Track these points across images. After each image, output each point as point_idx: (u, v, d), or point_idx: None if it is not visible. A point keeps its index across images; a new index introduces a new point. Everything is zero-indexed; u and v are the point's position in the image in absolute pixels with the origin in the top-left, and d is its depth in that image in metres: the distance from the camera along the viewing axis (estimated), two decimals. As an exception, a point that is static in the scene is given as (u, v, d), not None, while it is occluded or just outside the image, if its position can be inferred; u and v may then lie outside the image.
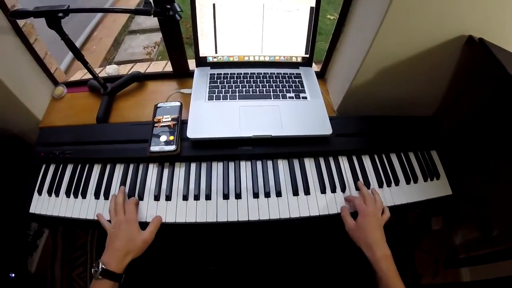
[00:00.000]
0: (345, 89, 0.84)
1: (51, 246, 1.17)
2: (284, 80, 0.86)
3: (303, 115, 0.79)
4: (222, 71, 0.87)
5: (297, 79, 0.86)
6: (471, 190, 0.94)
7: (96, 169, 0.78)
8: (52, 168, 0.79)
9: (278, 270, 1.11)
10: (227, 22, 0.81)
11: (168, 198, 0.72)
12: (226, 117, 0.77)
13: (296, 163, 0.77)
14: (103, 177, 0.76)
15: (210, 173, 0.75)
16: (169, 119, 0.78)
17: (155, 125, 0.77)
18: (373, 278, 0.62)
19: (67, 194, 0.75)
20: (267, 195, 0.73)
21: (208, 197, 0.72)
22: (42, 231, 1.16)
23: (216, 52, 0.86)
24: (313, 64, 0.91)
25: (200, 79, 0.85)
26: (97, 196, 0.74)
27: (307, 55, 0.88)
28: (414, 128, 0.85)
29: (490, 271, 0.92)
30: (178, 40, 0.87)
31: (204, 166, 0.76)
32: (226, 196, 0.72)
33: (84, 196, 0.74)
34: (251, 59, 0.88)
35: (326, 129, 0.76)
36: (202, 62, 0.88)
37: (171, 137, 0.75)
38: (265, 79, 0.86)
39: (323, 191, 0.74)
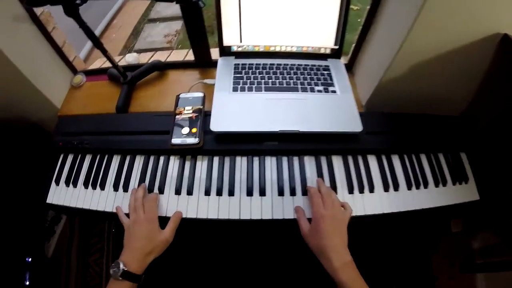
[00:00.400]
0: (375, 83, 0.76)
1: (68, 232, 1.12)
2: (312, 72, 0.77)
3: (332, 110, 0.71)
4: (247, 61, 0.79)
5: (325, 72, 0.77)
6: (497, 195, 0.86)
7: (116, 160, 0.72)
8: (70, 158, 0.74)
9: (285, 269, 1.05)
10: (253, 10, 0.73)
11: (190, 192, 0.66)
12: (251, 110, 0.70)
13: (323, 160, 0.70)
14: (122, 169, 0.70)
15: (234, 168, 0.68)
16: (191, 111, 0.71)
17: (176, 116, 0.70)
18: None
19: (85, 185, 0.69)
20: (293, 193, 0.66)
21: (231, 193, 0.65)
22: (60, 217, 1.12)
23: (240, 41, 0.78)
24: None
25: (224, 69, 0.78)
26: (116, 188, 0.68)
27: (336, 47, 0.79)
28: (443, 128, 0.76)
29: (507, 279, 0.85)
30: (200, 28, 0.79)
31: (227, 160, 0.69)
32: (249, 193, 0.65)
33: (102, 187, 0.68)
34: (278, 49, 0.79)
35: (356, 126, 0.68)
36: (226, 51, 0.80)
37: (194, 129, 0.68)
38: (292, 71, 0.77)
39: (350, 191, 0.67)
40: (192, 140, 0.66)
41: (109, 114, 0.80)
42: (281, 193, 0.66)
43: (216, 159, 0.69)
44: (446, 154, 0.75)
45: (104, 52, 0.77)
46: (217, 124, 0.67)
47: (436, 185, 0.70)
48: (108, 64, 0.85)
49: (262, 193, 0.66)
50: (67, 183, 0.70)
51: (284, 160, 0.69)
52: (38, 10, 0.78)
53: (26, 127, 0.94)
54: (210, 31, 0.87)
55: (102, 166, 0.71)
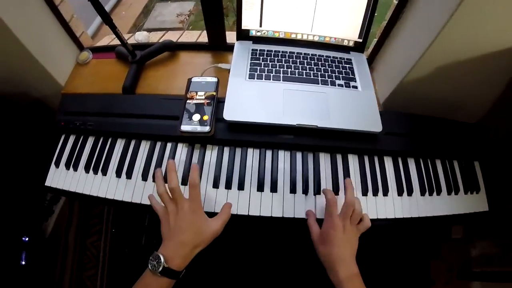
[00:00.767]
0: (396, 83, 0.69)
1: (67, 212, 1.07)
2: (333, 64, 0.70)
3: (352, 107, 0.64)
4: (266, 47, 0.71)
5: (347, 65, 0.70)
6: (502, 205, 0.82)
7: (120, 144, 0.65)
8: (72, 139, 0.67)
9: (288, 265, 1.01)
10: (277, -7, 0.65)
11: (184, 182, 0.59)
12: (268, 100, 0.63)
13: (339, 159, 0.64)
14: (126, 154, 0.64)
15: (245, 160, 0.62)
16: (204, 96, 0.64)
17: (187, 101, 0.63)
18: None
19: (86, 169, 0.63)
20: (305, 191, 0.60)
21: (240, 186, 0.60)
22: (59, 197, 1.06)
23: (260, 26, 0.70)
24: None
25: (241, 54, 0.70)
26: (118, 174, 0.61)
27: (360, 40, 0.72)
28: (459, 134, 0.71)
29: None
30: (218, 9, 0.71)
31: (238, 152, 0.63)
32: (260, 188, 0.60)
33: (104, 173, 0.62)
34: (299, 37, 0.71)
35: (376, 125, 0.62)
36: (244, 35, 0.72)
37: (205, 117, 0.61)
38: (312, 61, 0.70)
39: (364, 193, 0.62)
40: (203, 128, 0.60)
41: (115, 95, 0.72)
42: (293, 190, 0.60)
43: (226, 150, 0.63)
44: (460, 161, 0.70)
45: (113, 28, 0.69)
46: (231, 112, 0.60)
47: (449, 193, 0.65)
48: (116, 42, 0.77)
49: (274, 189, 0.60)
50: (67, 165, 0.64)
51: (298, 155, 0.63)
52: None
53: (28, 103, 0.86)
54: (224, 13, 0.79)
55: (105, 150, 0.64)
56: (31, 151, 0.87)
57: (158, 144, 0.64)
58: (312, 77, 0.67)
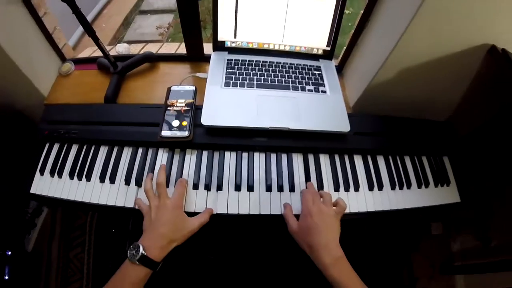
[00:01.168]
0: (364, 86, 0.79)
1: (50, 225, 1.10)
2: (303, 71, 0.79)
3: (322, 109, 0.73)
4: (240, 57, 0.80)
5: (317, 72, 0.79)
6: (476, 198, 0.90)
7: (103, 151, 0.71)
8: (56, 147, 0.72)
9: (277, 261, 1.07)
10: (250, 7, 0.74)
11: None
12: (242, 105, 0.71)
13: (311, 158, 0.72)
14: (109, 160, 0.69)
15: (223, 162, 0.69)
16: (183, 104, 0.71)
17: (167, 108, 0.70)
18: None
19: (71, 176, 0.68)
20: (280, 189, 0.67)
21: (219, 187, 0.66)
22: (41, 209, 1.09)
23: (235, 37, 0.79)
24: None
25: (217, 64, 0.78)
26: (102, 179, 0.67)
27: (329, 48, 0.81)
28: (428, 132, 0.80)
29: (485, 281, 0.90)
30: (195, 21, 0.79)
31: (216, 155, 0.70)
32: (238, 188, 0.66)
33: (88, 178, 0.67)
34: (271, 47, 0.81)
35: (344, 126, 0.70)
36: (219, 46, 0.80)
37: (184, 122, 0.68)
38: (284, 69, 0.79)
39: (336, 189, 0.69)
40: (183, 133, 0.66)
41: (97, 104, 0.79)
42: (268, 189, 0.67)
43: (205, 153, 0.70)
44: (429, 157, 0.79)
45: (96, 40, 0.76)
46: (208, 118, 0.68)
47: (419, 187, 0.73)
48: (97, 53, 0.84)
49: (250, 188, 0.67)
50: (52, 173, 0.69)
51: (273, 156, 0.71)
52: None
53: (10, 115, 0.91)
54: (202, 26, 0.88)
55: (88, 157, 0.70)
56: (12, 163, 0.91)
57: (140, 150, 0.70)
58: (283, 83, 0.76)
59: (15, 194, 0.94)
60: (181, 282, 1.02)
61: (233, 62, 0.79)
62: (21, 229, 1.04)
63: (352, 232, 1.09)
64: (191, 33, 0.82)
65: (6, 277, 0.93)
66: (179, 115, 0.69)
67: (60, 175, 0.68)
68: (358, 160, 0.74)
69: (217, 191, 0.66)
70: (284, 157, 0.71)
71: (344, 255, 0.53)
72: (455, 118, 0.89)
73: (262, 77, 0.76)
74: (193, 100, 0.72)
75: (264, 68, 0.78)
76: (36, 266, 1.03)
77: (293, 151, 0.72)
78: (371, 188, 0.70)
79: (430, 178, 0.75)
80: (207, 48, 0.87)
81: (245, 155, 0.70)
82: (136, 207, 0.62)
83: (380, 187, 0.71)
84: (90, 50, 1.04)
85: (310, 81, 0.77)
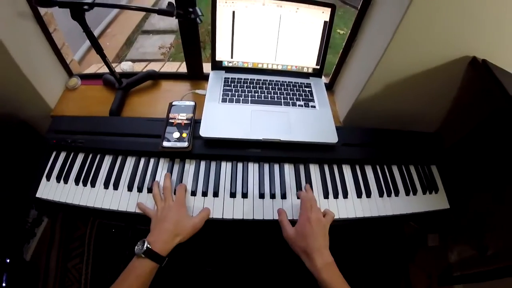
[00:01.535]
0: (352, 101, 0.87)
1: (49, 235, 1.15)
2: (294, 88, 0.88)
3: (311, 122, 0.81)
4: (236, 75, 0.90)
5: (307, 89, 0.89)
6: (469, 207, 0.95)
7: (107, 160, 0.78)
8: (62, 155, 0.80)
9: (274, 273, 1.11)
10: (245, 30, 0.84)
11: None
12: (238, 119, 0.79)
13: (301, 168, 0.79)
14: (113, 168, 0.77)
15: (219, 171, 0.76)
16: (184, 118, 0.79)
17: (169, 121, 0.79)
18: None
19: (76, 182, 0.75)
20: (273, 196, 0.74)
21: (215, 194, 0.73)
22: (42, 219, 1.15)
23: (231, 57, 0.89)
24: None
25: (215, 81, 0.88)
26: (106, 185, 0.74)
27: (318, 67, 0.91)
28: (416, 143, 0.87)
29: None
30: (196, 43, 0.89)
31: (213, 164, 0.77)
32: (233, 195, 0.73)
33: (93, 185, 0.74)
34: (265, 66, 0.91)
35: (332, 137, 0.79)
36: (217, 65, 0.90)
37: (184, 134, 0.76)
38: (276, 87, 0.88)
39: (325, 196, 0.76)
40: (182, 144, 0.74)
41: (103, 117, 0.87)
42: (261, 196, 0.74)
43: (203, 163, 0.78)
44: (416, 166, 0.85)
45: (104, 58, 0.86)
46: (206, 130, 0.76)
47: (407, 194, 0.80)
48: (102, 70, 0.93)
49: (245, 195, 0.73)
50: (58, 179, 0.75)
51: (266, 166, 0.78)
52: (42, 10, 0.84)
53: (15, 123, 0.98)
54: (202, 47, 0.98)
55: (94, 165, 0.77)
56: (14, 171, 0.97)
57: (143, 159, 0.78)
58: (276, 99, 0.85)
59: (18, 201, 1.00)
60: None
61: (229, 80, 0.88)
62: (21, 238, 1.09)
63: (349, 243, 1.14)
64: (191, 53, 0.92)
65: (4, 284, 0.97)
66: (180, 127, 0.77)
67: (66, 181, 0.75)
68: (347, 169, 0.81)
69: (213, 197, 0.73)
70: (276, 167, 0.78)
71: (334, 261, 0.58)
72: (443, 129, 0.96)
73: (256, 94, 0.85)
74: (192, 114, 0.80)
75: (258, 86, 0.88)
76: (34, 275, 1.08)
77: (285, 161, 0.79)
78: (359, 195, 0.77)
79: (418, 185, 0.82)
80: (206, 67, 0.96)
81: (240, 165, 0.78)
82: (138, 211, 0.69)
83: (368, 195, 0.77)
84: (95, 67, 1.13)
85: (301, 97, 0.86)
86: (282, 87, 0.88)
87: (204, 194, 0.73)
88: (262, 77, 0.90)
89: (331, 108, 0.86)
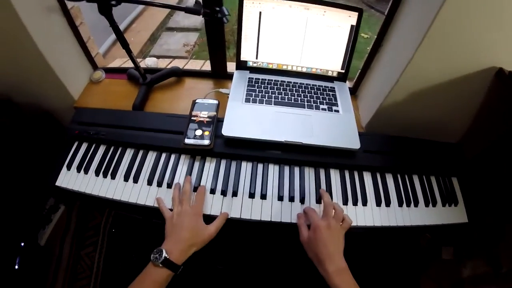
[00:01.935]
0: (376, 107, 0.84)
1: (65, 222, 1.15)
2: (318, 92, 0.85)
3: (334, 127, 0.78)
4: (261, 76, 0.87)
5: (331, 93, 0.86)
6: (487, 223, 0.91)
7: (129, 153, 0.77)
8: (84, 146, 0.79)
9: (285, 274, 1.09)
10: (271, 31, 0.82)
11: (196, 190, 0.70)
12: (260, 120, 0.77)
13: (322, 172, 0.76)
14: (134, 162, 0.75)
15: (239, 171, 0.74)
16: (206, 115, 0.77)
17: (191, 119, 0.77)
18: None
19: (97, 173, 0.73)
20: (291, 199, 0.71)
21: (234, 194, 0.71)
22: (58, 206, 1.15)
23: (256, 58, 0.86)
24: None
25: (239, 81, 0.85)
26: (126, 178, 0.72)
27: (343, 71, 0.88)
28: (437, 153, 0.83)
29: None
30: (221, 42, 0.87)
31: (234, 164, 0.75)
32: (252, 195, 0.71)
33: (113, 177, 0.73)
34: (289, 68, 0.88)
35: (355, 143, 0.75)
36: (242, 65, 0.88)
37: (206, 132, 0.74)
38: (300, 89, 0.85)
39: (345, 202, 0.73)
40: (204, 142, 0.72)
41: (126, 111, 0.86)
42: (280, 198, 0.71)
43: (223, 162, 0.75)
44: (438, 177, 0.82)
45: (129, 53, 0.85)
46: (229, 129, 0.74)
47: (426, 205, 0.76)
48: (127, 65, 0.92)
49: (263, 197, 0.71)
50: (78, 169, 0.74)
51: (286, 169, 0.76)
52: (69, 4, 0.84)
53: (38, 114, 0.98)
54: (226, 46, 0.96)
55: (115, 157, 0.76)
56: (35, 160, 0.97)
57: (164, 155, 0.76)
58: (299, 102, 0.82)
59: (37, 188, 1.00)
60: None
61: (253, 80, 0.86)
62: (37, 223, 1.09)
63: (362, 252, 1.10)
64: (216, 52, 0.90)
65: (16, 267, 0.97)
66: (202, 125, 0.75)
67: (86, 172, 0.74)
68: (367, 177, 0.78)
69: (232, 197, 0.71)
70: (296, 170, 0.76)
71: (347, 267, 0.57)
72: (465, 140, 0.92)
73: (280, 95, 0.83)
74: (215, 113, 0.78)
75: (282, 87, 0.85)
76: (47, 260, 1.07)
77: (305, 165, 0.76)
78: (378, 204, 0.74)
79: (438, 197, 0.78)
80: (230, 66, 0.94)
81: (260, 166, 0.75)
82: (156, 205, 0.67)
83: (388, 204, 0.74)
84: (120, 61, 1.13)
85: (324, 101, 0.83)
86: (306, 90, 0.86)
87: (223, 193, 0.71)
88: (286, 79, 0.88)
89: (354, 113, 0.83)
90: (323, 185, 0.74)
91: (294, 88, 0.85)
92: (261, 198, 0.71)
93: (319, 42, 0.83)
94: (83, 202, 1.16)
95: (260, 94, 0.82)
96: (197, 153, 0.76)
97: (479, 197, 0.87)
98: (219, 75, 0.97)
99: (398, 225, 0.73)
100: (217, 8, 0.75)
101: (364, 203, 0.73)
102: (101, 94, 0.96)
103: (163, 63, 1.09)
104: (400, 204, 0.75)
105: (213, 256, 1.11)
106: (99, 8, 0.73)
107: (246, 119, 0.77)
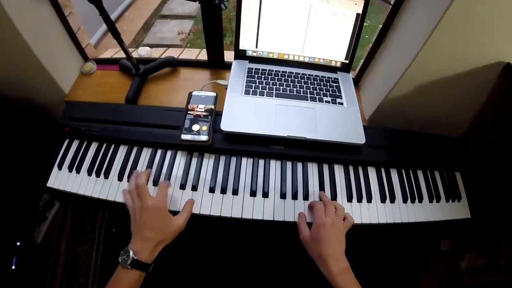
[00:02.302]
0: (379, 100, 0.79)
1: (60, 219, 1.10)
2: (321, 83, 0.79)
3: (338, 121, 0.73)
4: (261, 66, 0.80)
5: (334, 84, 0.80)
6: (487, 216, 0.89)
7: (122, 150, 0.71)
8: (75, 143, 0.73)
9: (285, 268, 1.06)
10: (272, 18, 0.75)
11: (194, 188, 0.66)
12: (261, 113, 0.71)
13: (326, 168, 0.71)
14: (128, 159, 0.70)
15: (239, 168, 0.69)
16: (203, 109, 0.71)
17: (188, 112, 0.71)
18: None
19: (89, 172, 0.68)
20: (295, 196, 0.67)
21: (235, 192, 0.66)
22: (53, 203, 1.09)
23: (256, 47, 0.79)
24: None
25: (238, 72, 0.79)
26: (120, 178, 0.67)
27: (347, 61, 0.82)
28: (441, 148, 0.79)
29: None
30: (218, 29, 0.80)
31: (233, 160, 0.70)
32: (253, 193, 0.66)
33: (106, 176, 0.68)
34: (291, 58, 0.81)
35: (360, 138, 0.70)
36: (241, 55, 0.81)
37: (204, 127, 0.68)
38: (302, 80, 0.79)
39: (349, 199, 0.69)
40: (202, 138, 0.67)
41: (119, 104, 0.80)
42: (283, 196, 0.67)
43: (222, 158, 0.70)
44: (441, 172, 0.78)
45: (121, 43, 0.78)
46: (228, 124, 0.68)
47: (430, 201, 0.73)
48: (119, 55, 0.85)
49: (265, 194, 0.66)
50: (70, 168, 0.69)
51: (289, 164, 0.71)
52: None
53: (30, 109, 0.92)
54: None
55: (108, 155, 0.70)
56: (28, 156, 0.92)
57: (159, 151, 0.71)
58: (302, 94, 0.76)
59: (30, 186, 0.95)
60: (189, 286, 1.01)
61: (253, 71, 0.79)
62: (32, 221, 1.04)
63: (361, 246, 1.08)
64: (213, 40, 0.83)
65: (14, 267, 0.93)
66: (199, 119, 0.69)
67: (78, 171, 0.69)
68: (372, 172, 0.73)
69: (232, 195, 0.66)
70: (299, 166, 0.71)
71: (350, 267, 0.55)
72: (469, 134, 0.88)
73: (281, 87, 0.77)
74: (213, 106, 0.72)
75: (283, 78, 0.79)
76: (44, 258, 1.03)
77: (308, 160, 0.71)
78: (383, 200, 0.70)
79: (441, 193, 0.74)
80: (227, 55, 0.88)
81: (261, 162, 0.70)
82: (123, 201, 0.61)
83: (392, 200, 0.70)
84: (111, 51, 1.05)
85: (328, 93, 0.77)
86: (309, 81, 0.79)
87: (223, 191, 0.66)
88: (288, 69, 0.81)
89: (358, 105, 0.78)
90: (327, 181, 0.70)
91: (296, 79, 0.79)
92: (263, 197, 0.66)
93: (323, 30, 0.77)
94: (77, 202, 1.11)
95: (260, 85, 0.76)
96: (195, 149, 0.70)
97: (482, 192, 0.85)
98: (216, 65, 0.90)
99: (403, 221, 0.69)
100: (215, -6, 0.68)
101: (369, 199, 0.69)
102: (92, 86, 0.89)
103: (157, 53, 1.01)
104: (405, 200, 0.71)
105: (212, 250, 1.08)
106: (88, -4, 0.66)
107: (246, 113, 0.71)
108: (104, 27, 1.94)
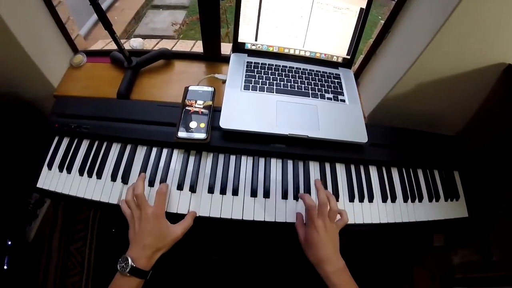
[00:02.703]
0: (380, 97, 0.76)
1: (51, 217, 1.04)
2: (323, 79, 0.75)
3: (340, 119, 0.69)
4: (260, 60, 0.75)
5: (336, 80, 0.76)
6: (480, 213, 0.88)
7: (115, 148, 0.66)
8: (65, 141, 0.68)
9: (281, 265, 1.04)
10: (273, 10, 0.70)
11: (192, 189, 0.62)
12: (262, 110, 0.67)
13: (327, 167, 0.68)
14: (122, 158, 0.65)
15: (239, 167, 0.65)
16: (201, 105, 0.66)
17: (185, 108, 0.66)
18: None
19: (81, 172, 0.63)
20: (296, 197, 0.64)
21: (235, 192, 0.62)
22: (44, 200, 1.04)
23: (256, 40, 0.74)
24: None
25: (236, 65, 0.74)
26: (114, 178, 0.63)
27: (349, 57, 0.78)
28: (439, 146, 0.77)
29: None
30: (215, 21, 0.75)
31: (233, 159, 0.66)
32: (254, 194, 0.63)
33: (99, 176, 0.63)
34: (291, 52, 0.76)
35: (362, 137, 0.67)
36: (239, 48, 0.76)
37: (202, 124, 0.64)
38: (303, 75, 0.75)
39: (351, 199, 0.66)
40: (200, 135, 0.62)
41: (111, 99, 0.74)
42: (284, 196, 0.63)
43: (221, 157, 0.66)
44: (441, 171, 0.76)
45: (112, 34, 0.72)
46: (227, 121, 0.63)
47: (430, 200, 0.71)
48: (110, 46, 0.79)
49: (266, 195, 0.63)
50: (60, 168, 0.64)
51: (290, 163, 0.67)
52: None
53: (18, 104, 0.86)
54: (220, 26, 0.83)
55: (100, 153, 0.65)
56: (18, 153, 0.86)
57: (154, 150, 0.66)
58: (303, 90, 0.72)
59: (20, 186, 0.89)
60: (184, 283, 0.98)
61: (252, 65, 0.74)
62: (23, 220, 0.99)
63: (356, 243, 1.07)
64: (210, 33, 0.78)
65: (5, 267, 0.89)
66: (197, 116, 0.65)
67: (69, 171, 0.64)
68: (373, 171, 0.71)
69: (232, 195, 0.62)
70: (300, 164, 0.67)
71: (345, 266, 0.54)
72: (466, 133, 0.87)
73: (282, 82, 0.72)
74: (211, 102, 0.67)
75: (284, 73, 0.74)
76: (36, 257, 0.98)
77: (310, 159, 0.68)
78: (384, 199, 0.68)
79: (441, 192, 0.73)
80: (223, 48, 0.82)
81: (261, 161, 0.67)
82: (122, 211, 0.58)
83: (393, 199, 0.68)
84: (102, 43, 0.98)
85: (330, 89, 0.73)
86: (310, 77, 0.75)
87: (223, 191, 0.62)
88: (289, 64, 0.76)
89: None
90: (329, 181, 0.67)
91: (297, 75, 0.75)
92: (264, 197, 0.63)
93: (325, 24, 0.72)
94: (72, 203, 1.06)
95: (260, 80, 0.72)
96: (192, 147, 0.66)
97: (479, 191, 0.84)
98: (212, 58, 0.84)
99: (403, 221, 0.67)
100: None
101: (370, 199, 0.67)
102: (82, 80, 0.83)
103: (149, 44, 0.95)
104: (405, 200, 0.69)
105: (208, 247, 1.04)
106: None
107: (246, 109, 0.66)
108: (94, 17, 1.83)
